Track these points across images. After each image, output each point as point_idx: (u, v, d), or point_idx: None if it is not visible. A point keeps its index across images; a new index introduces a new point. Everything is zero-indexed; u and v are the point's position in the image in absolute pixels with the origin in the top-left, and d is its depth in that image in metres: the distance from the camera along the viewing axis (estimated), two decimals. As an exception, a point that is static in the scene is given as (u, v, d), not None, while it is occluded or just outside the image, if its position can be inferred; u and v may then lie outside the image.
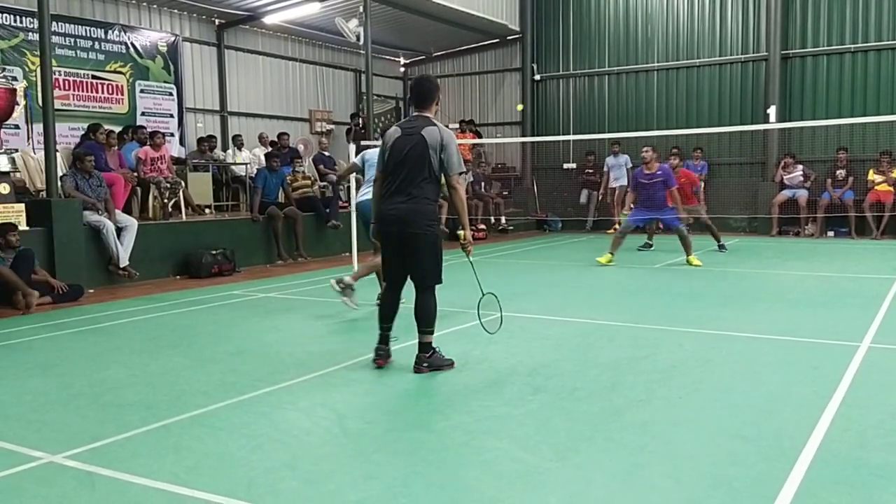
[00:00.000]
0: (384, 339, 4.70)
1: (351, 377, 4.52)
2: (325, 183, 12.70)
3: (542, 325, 6.11)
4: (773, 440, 3.35)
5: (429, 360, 4.62)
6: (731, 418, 3.66)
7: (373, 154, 6.97)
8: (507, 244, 13.09)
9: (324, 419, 3.77)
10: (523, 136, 16.94)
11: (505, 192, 16.53)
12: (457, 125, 16.96)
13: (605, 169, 15.41)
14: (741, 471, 3.01)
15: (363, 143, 11.63)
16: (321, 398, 4.16)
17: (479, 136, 16.67)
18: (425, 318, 4.61)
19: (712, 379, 4.47)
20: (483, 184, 15.64)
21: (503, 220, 15.55)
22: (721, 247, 11.22)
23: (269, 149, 12.69)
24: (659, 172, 9.74)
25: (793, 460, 3.08)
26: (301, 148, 13.89)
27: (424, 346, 4.64)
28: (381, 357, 4.68)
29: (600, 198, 15.61)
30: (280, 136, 13.34)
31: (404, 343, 5.32)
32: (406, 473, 3.06)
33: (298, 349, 5.25)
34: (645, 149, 9.96)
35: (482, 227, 14.74)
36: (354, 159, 7.21)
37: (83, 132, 10.53)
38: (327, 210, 11.56)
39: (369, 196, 6.77)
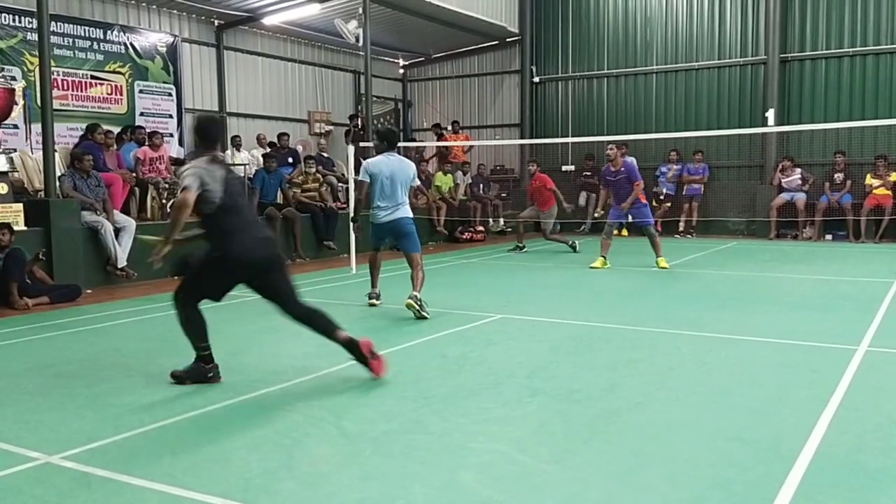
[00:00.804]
0: (210, 358, 4.46)
1: (349, 378, 4.51)
2: (324, 184, 12.70)
3: (539, 327, 6.11)
4: (771, 443, 3.35)
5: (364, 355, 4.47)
6: (729, 421, 3.66)
7: (377, 163, 6.89)
8: (505, 245, 13.08)
9: (321, 420, 3.76)
10: (522, 138, 16.95)
11: (503, 194, 16.53)
12: (449, 127, 16.96)
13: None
14: (739, 473, 3.01)
15: (361, 144, 11.64)
16: (319, 399, 4.16)
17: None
18: (326, 318, 4.50)
19: (710, 381, 4.47)
20: (482, 186, 15.64)
21: (501, 221, 15.56)
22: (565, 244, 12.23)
23: (267, 150, 12.69)
24: (623, 168, 9.90)
25: (790, 463, 3.09)
26: (300, 149, 13.89)
27: (354, 343, 4.47)
28: (218, 375, 4.46)
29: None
30: (280, 136, 13.34)
31: (406, 343, 5.32)
32: (403, 475, 3.06)
33: (296, 350, 5.25)
34: (609, 147, 10.22)
35: (480, 228, 14.74)
36: (362, 177, 6.86)
37: (81, 132, 10.52)
38: (325, 218, 11.58)
39: (392, 217, 6.74)
